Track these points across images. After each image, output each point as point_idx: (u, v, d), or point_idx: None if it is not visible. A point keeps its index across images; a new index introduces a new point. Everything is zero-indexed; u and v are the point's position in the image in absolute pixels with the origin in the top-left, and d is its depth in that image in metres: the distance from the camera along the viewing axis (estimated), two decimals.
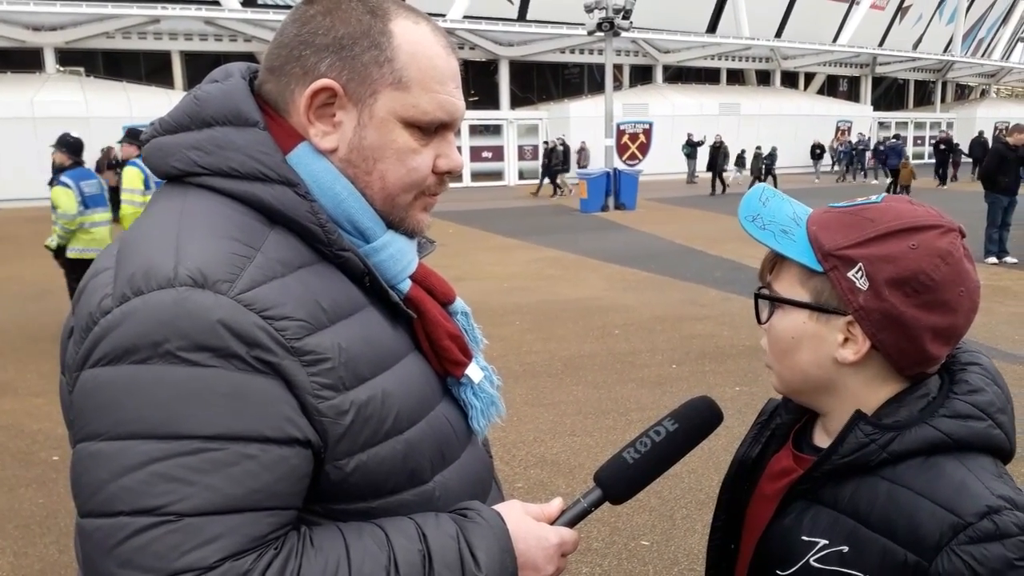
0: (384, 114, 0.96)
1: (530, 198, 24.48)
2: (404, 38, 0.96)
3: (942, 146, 26.58)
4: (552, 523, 1.03)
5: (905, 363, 0.96)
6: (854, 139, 31.65)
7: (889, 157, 25.20)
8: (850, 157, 30.03)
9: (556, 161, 24.60)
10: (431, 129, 0.99)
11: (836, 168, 30.52)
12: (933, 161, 28.14)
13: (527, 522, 0.99)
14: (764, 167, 26.21)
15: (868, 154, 30.03)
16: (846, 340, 0.97)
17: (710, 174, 25.28)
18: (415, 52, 0.97)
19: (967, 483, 0.89)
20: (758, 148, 26.45)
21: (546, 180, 25.37)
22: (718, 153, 25.16)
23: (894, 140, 27.74)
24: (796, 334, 1.00)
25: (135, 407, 0.80)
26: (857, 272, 0.94)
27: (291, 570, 0.83)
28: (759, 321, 1.06)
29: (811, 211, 1.04)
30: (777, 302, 1.02)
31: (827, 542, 0.96)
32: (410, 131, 0.98)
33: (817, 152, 29.39)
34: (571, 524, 1.04)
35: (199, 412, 0.80)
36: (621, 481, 1.06)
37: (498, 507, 1.01)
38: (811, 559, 0.96)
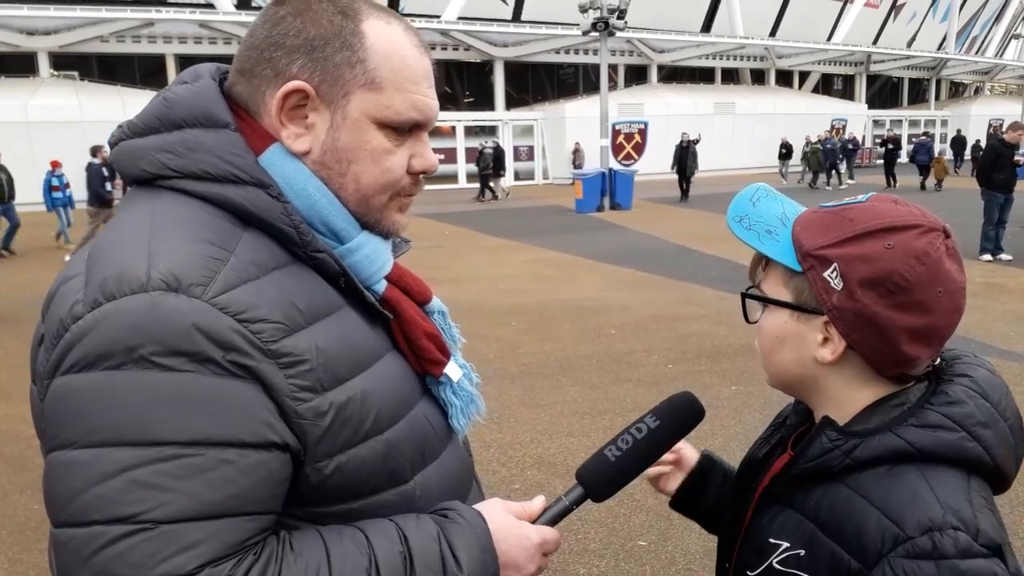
0: (357, 115, 0.96)
1: (533, 199, 24.45)
2: (376, 38, 0.96)
3: (890, 145, 25.42)
4: (534, 522, 1.03)
5: (881, 364, 0.95)
6: (847, 136, 30.96)
7: (918, 153, 25.25)
8: (817, 158, 28.73)
9: (484, 165, 24.22)
10: (405, 129, 0.99)
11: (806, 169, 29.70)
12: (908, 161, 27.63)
13: (508, 521, 0.99)
14: (829, 163, 25.51)
15: (837, 153, 28.85)
16: (825, 340, 0.97)
17: (677, 177, 22.92)
18: (387, 52, 0.96)
19: (920, 495, 0.88)
20: (816, 141, 25.03)
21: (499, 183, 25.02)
22: (686, 154, 22.70)
23: (924, 137, 27.45)
24: (779, 333, 1.01)
25: (109, 414, 0.79)
26: (832, 272, 0.94)
27: (271, 575, 0.82)
28: (747, 320, 1.06)
29: (801, 211, 1.03)
30: (761, 301, 1.03)
31: (789, 545, 0.96)
32: (384, 132, 0.97)
33: (783, 152, 28.46)
34: (553, 522, 1.04)
35: (175, 418, 0.79)
36: (603, 479, 1.06)
37: (479, 506, 1.01)
38: (774, 560, 0.97)
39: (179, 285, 0.82)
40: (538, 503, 1.05)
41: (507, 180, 28.32)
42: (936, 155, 24.77)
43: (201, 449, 0.80)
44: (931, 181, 24.14)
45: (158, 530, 0.77)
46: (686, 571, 3.42)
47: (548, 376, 6.25)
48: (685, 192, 22.68)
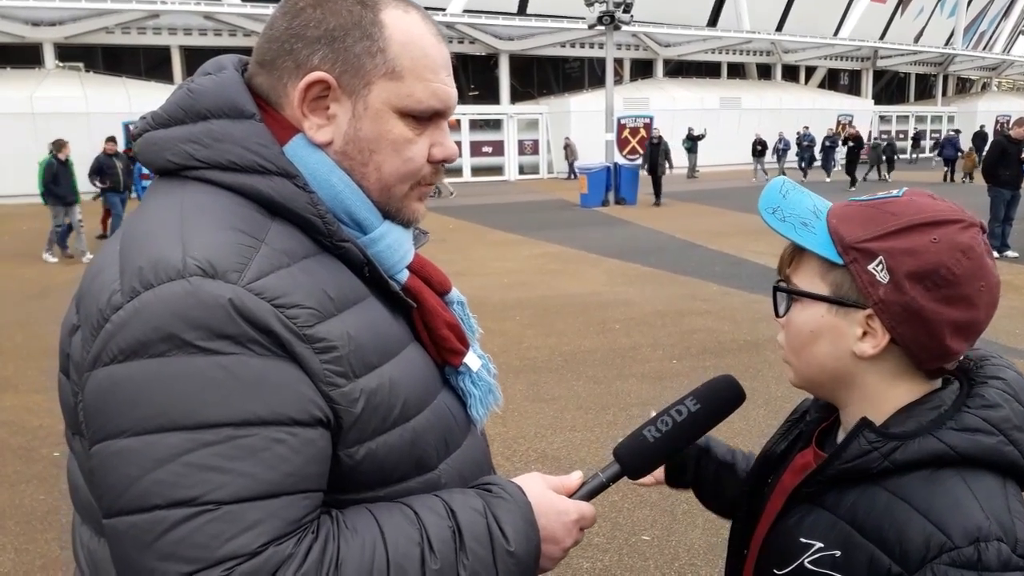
0: (379, 105, 0.96)
1: (538, 193, 24.43)
2: (395, 27, 0.96)
3: (850, 143, 24.49)
4: (571, 496, 1.05)
5: (924, 357, 0.95)
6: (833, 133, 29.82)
7: (944, 148, 26.13)
8: (801, 153, 28.42)
9: None
10: (425, 118, 0.99)
11: (778, 164, 28.70)
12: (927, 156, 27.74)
13: (548, 496, 1.02)
14: (886, 157, 26.46)
15: (816, 149, 28.42)
16: (865, 334, 0.96)
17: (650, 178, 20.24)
18: (407, 41, 0.96)
19: (963, 503, 0.88)
20: (878, 137, 25.05)
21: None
22: (657, 151, 20.08)
23: (952, 132, 28.34)
24: (815, 327, 0.99)
25: (159, 400, 0.80)
26: (877, 265, 0.93)
27: (330, 553, 0.84)
28: (777, 315, 1.05)
29: (831, 205, 1.03)
30: (796, 295, 1.01)
31: (822, 545, 0.96)
32: (405, 121, 0.98)
33: (758, 149, 27.67)
34: (589, 498, 1.06)
35: (225, 400, 0.80)
36: (640, 458, 1.09)
37: (519, 480, 1.02)
38: (805, 560, 0.97)
39: (215, 271, 0.83)
40: (575, 478, 1.07)
41: (517, 175, 28.24)
42: (966, 150, 25.71)
43: (254, 429, 0.81)
44: (959, 175, 25.08)
45: (220, 511, 0.78)
46: (689, 566, 3.43)
47: (552, 371, 6.25)
48: (656, 194, 19.96)
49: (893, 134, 38.89)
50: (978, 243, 0.93)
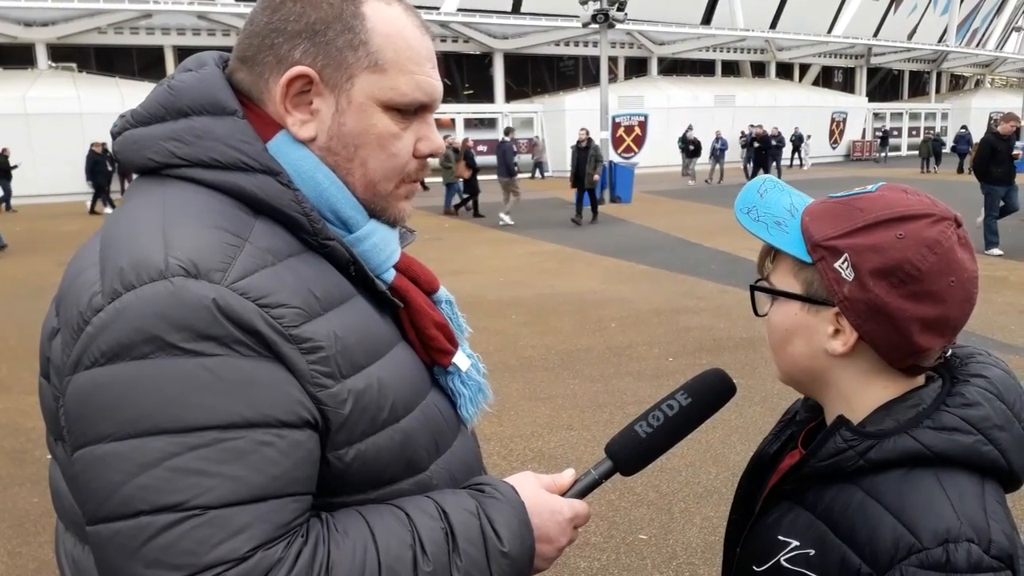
0: (362, 98, 0.95)
1: (534, 192, 24.40)
2: (377, 20, 0.95)
3: (756, 144, 23.58)
4: (564, 494, 1.04)
5: (894, 355, 0.94)
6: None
7: (959, 143, 28.93)
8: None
9: None
10: (410, 111, 0.98)
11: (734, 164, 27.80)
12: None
13: (541, 495, 1.01)
14: (934, 151, 28.54)
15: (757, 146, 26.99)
16: (836, 332, 0.96)
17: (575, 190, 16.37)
18: (389, 33, 0.95)
19: (935, 503, 0.87)
20: (929, 131, 26.33)
21: None
22: (585, 156, 15.75)
23: (963, 130, 30.55)
24: (789, 325, 1.00)
25: (142, 404, 0.78)
26: (843, 263, 0.92)
27: (320, 557, 0.82)
28: (756, 313, 1.05)
29: (809, 202, 1.02)
30: (771, 294, 1.02)
31: (798, 544, 0.95)
32: (390, 114, 0.96)
33: (691, 148, 26.54)
34: (582, 495, 1.06)
35: (211, 402, 0.78)
36: (632, 454, 1.08)
37: (511, 480, 1.01)
38: (782, 558, 0.97)
39: (198, 271, 0.81)
40: (568, 476, 1.06)
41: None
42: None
43: (241, 432, 0.79)
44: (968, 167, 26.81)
45: (207, 515, 0.76)
46: (687, 565, 3.42)
47: (548, 369, 6.24)
48: (581, 208, 16.01)
49: (888, 130, 39.01)
50: (947, 237, 0.91)
